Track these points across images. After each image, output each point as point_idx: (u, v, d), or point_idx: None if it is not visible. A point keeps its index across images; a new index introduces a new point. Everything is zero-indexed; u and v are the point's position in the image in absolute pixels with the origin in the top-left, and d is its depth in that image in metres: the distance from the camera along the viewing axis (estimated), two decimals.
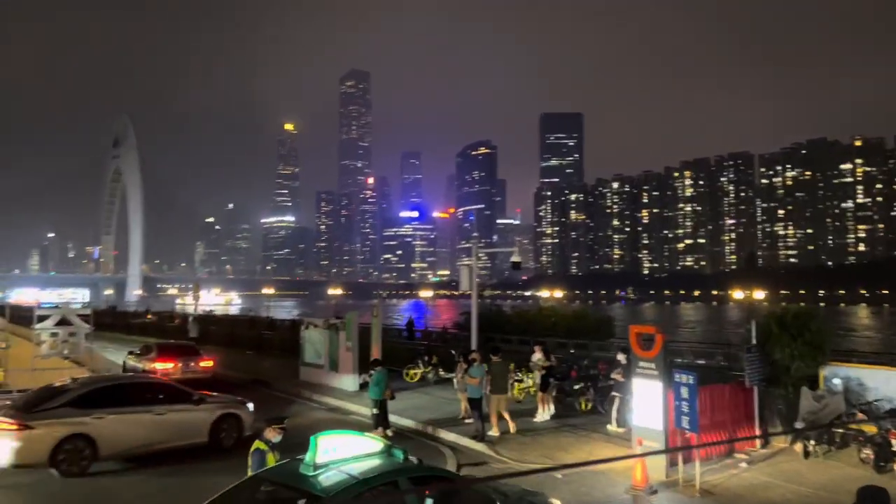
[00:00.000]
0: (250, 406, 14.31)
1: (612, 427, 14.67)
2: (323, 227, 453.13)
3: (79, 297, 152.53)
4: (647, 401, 11.92)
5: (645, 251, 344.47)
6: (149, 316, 53.54)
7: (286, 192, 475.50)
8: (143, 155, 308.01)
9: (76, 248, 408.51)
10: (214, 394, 14.37)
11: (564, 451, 13.35)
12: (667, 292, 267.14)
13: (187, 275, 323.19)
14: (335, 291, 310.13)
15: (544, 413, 16.30)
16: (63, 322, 15.03)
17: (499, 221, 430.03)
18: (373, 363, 16.23)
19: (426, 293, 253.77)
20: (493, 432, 14.48)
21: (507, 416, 14.85)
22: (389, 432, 15.04)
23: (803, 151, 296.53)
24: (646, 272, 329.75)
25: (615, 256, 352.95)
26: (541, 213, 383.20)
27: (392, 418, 15.79)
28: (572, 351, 23.25)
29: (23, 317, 23.83)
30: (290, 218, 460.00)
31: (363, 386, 19.74)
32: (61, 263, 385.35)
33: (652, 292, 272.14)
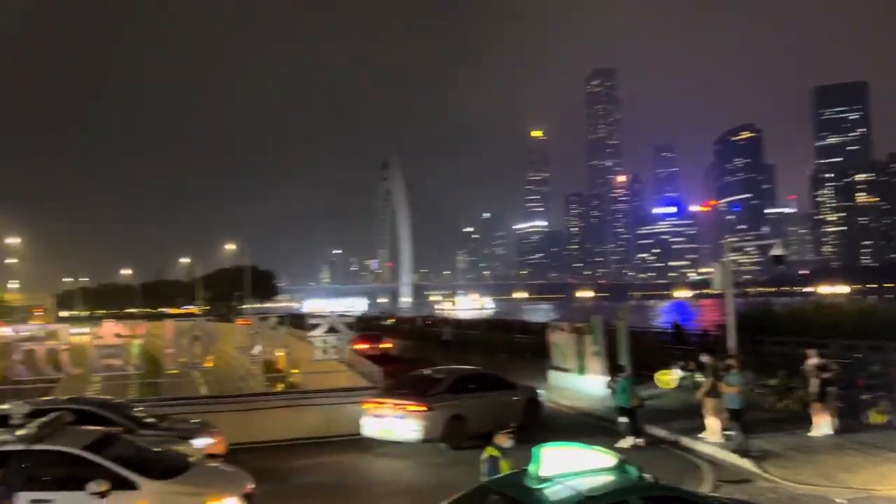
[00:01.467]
0: (542, 392, 17.48)
1: None
2: (574, 229, 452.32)
3: (357, 305, 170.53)
4: None
5: None
6: (390, 320, 58.54)
7: (537, 197, 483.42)
8: (408, 175, 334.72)
9: (358, 261, 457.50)
10: (520, 383, 17.19)
11: (849, 472, 11.47)
12: None
13: (450, 282, 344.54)
14: (585, 294, 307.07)
15: (822, 426, 14.21)
16: (331, 329, 16.71)
17: (768, 211, 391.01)
18: (618, 369, 15.58)
19: (683, 293, 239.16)
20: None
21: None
22: (641, 442, 14.30)
23: None
24: None
25: None
26: (819, 199, 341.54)
27: (643, 426, 14.98)
28: (859, 355, 20.03)
29: (301, 325, 27.16)
30: (541, 222, 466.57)
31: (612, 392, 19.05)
32: (346, 276, 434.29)
33: None
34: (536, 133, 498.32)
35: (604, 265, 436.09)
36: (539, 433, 14.44)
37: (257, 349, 16.49)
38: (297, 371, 23.00)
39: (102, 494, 7.77)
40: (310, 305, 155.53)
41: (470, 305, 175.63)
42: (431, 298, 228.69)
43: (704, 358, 15.42)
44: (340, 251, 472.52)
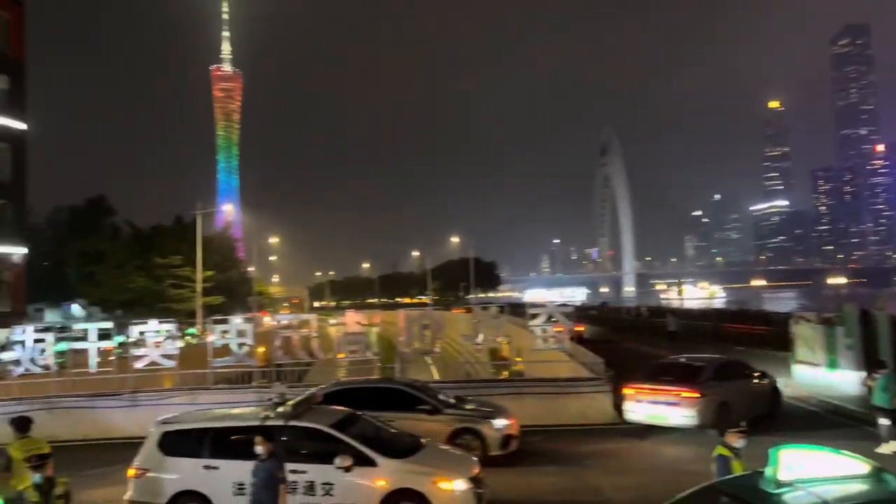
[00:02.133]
0: (779, 379, 17.62)
1: None
2: (822, 208, 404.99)
3: (577, 295, 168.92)
4: None
5: None
6: (641, 310, 56.01)
7: (776, 174, 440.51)
8: (628, 160, 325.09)
9: (578, 250, 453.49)
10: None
11: None
12: None
13: (678, 270, 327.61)
14: (837, 280, 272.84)
15: None
16: (550, 318, 16.82)
17: None
18: (877, 365, 13.73)
19: None
20: None
21: None
22: None
23: None
24: None
25: None
26: None
27: None
28: None
29: (521, 314, 27.57)
30: (782, 202, 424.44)
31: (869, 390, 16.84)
32: (566, 265, 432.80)
33: None
34: (773, 104, 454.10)
35: (860, 247, 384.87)
36: (779, 432, 13.32)
37: (480, 337, 17.10)
38: (520, 359, 23.48)
39: (347, 469, 8.63)
40: (530, 295, 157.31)
41: (698, 294, 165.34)
42: (657, 287, 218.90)
43: None
44: (559, 241, 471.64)
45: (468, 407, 13.42)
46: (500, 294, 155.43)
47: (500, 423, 12.90)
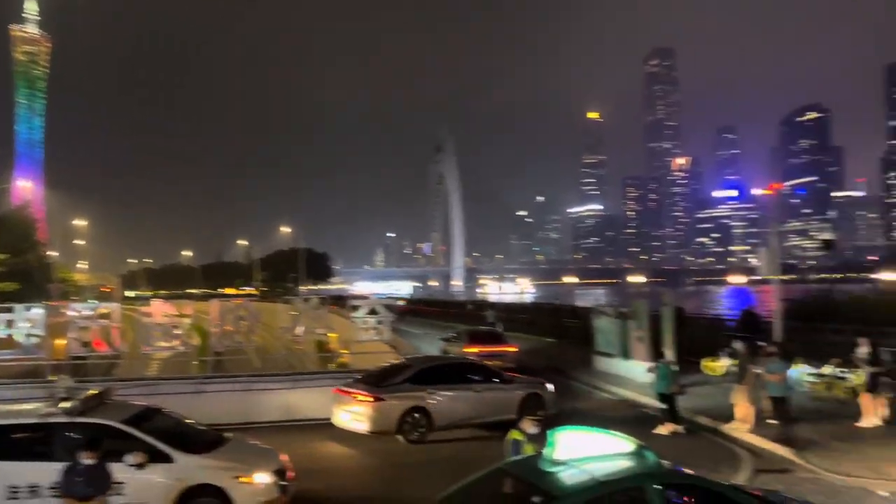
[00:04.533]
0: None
1: None
2: (631, 213, 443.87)
3: (404, 288, 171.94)
4: None
5: None
6: (467, 305, 58.18)
7: (593, 180, 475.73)
8: (461, 159, 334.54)
9: (411, 245, 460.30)
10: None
11: (895, 465, 11.06)
12: None
13: (503, 266, 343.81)
14: (637, 279, 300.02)
15: (871, 417, 13.72)
16: (372, 311, 16.96)
17: (836, 195, 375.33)
18: (659, 355, 15.35)
19: (738, 278, 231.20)
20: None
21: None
22: (681, 429, 14.10)
23: None
24: None
25: None
26: (891, 182, 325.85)
27: (685, 414, 14.75)
28: None
29: (343, 306, 27.54)
30: (597, 206, 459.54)
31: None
32: (400, 259, 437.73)
33: None
34: (593, 115, 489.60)
35: (661, 250, 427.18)
36: (572, 419, 14.44)
37: (300, 329, 16.83)
38: (346, 351, 23.41)
39: (139, 466, 8.14)
40: (359, 288, 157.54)
41: (514, 289, 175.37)
42: (480, 282, 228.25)
43: (737, 345, 15.15)
44: (394, 234, 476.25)
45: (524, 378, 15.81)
46: (332, 286, 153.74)
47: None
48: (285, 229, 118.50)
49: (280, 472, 9.10)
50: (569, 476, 5.99)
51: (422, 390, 13.61)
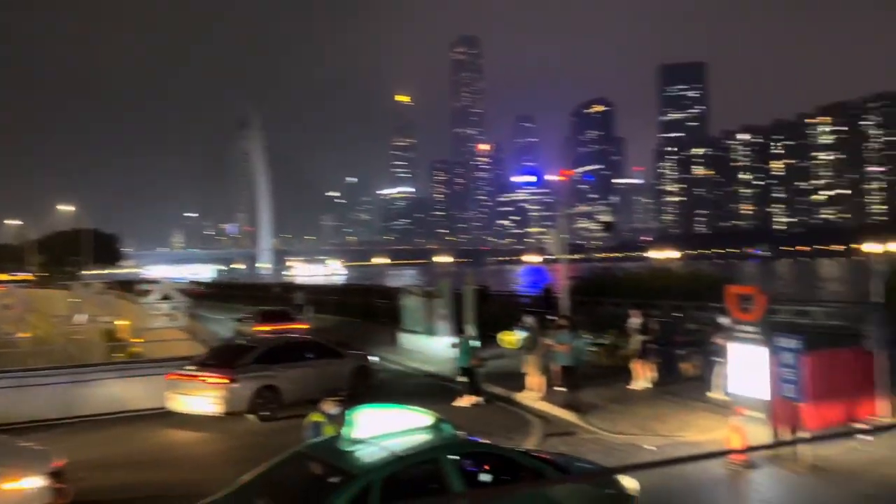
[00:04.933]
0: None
1: (713, 394, 13.60)
2: (439, 196, 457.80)
3: (205, 272, 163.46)
4: (747, 367, 10.87)
5: (778, 205, 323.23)
6: (274, 288, 56.47)
7: (404, 163, 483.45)
8: (268, 135, 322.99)
9: (214, 225, 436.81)
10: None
11: (660, 421, 12.53)
12: (804, 248, 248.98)
13: (316, 247, 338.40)
14: (444, 259, 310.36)
15: (642, 380, 15.43)
16: (166, 297, 15.84)
17: (617, 181, 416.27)
18: (461, 331, 15.99)
19: (533, 258, 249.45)
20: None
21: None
22: (481, 400, 14.82)
23: None
24: (780, 227, 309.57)
25: (745, 212, 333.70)
26: (662, 171, 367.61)
27: (484, 386, 15.54)
28: (679, 314, 21.86)
29: (133, 290, 25.62)
30: (408, 189, 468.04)
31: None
32: (202, 241, 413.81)
33: (786, 248, 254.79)
34: (402, 98, 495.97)
35: (467, 231, 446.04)
36: (377, 397, 14.63)
37: (81, 317, 15.27)
38: (139, 340, 21.68)
39: None
40: (154, 272, 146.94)
41: (323, 271, 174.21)
42: (288, 264, 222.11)
43: (528, 319, 16.25)
44: (196, 215, 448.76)
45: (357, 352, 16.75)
46: (122, 270, 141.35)
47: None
48: (66, 208, 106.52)
49: (55, 475, 8.18)
50: (367, 454, 6.02)
51: (269, 369, 13.92)
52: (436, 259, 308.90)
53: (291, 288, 51.37)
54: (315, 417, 8.06)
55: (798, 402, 10.18)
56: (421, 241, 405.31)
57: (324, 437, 7.52)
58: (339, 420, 7.95)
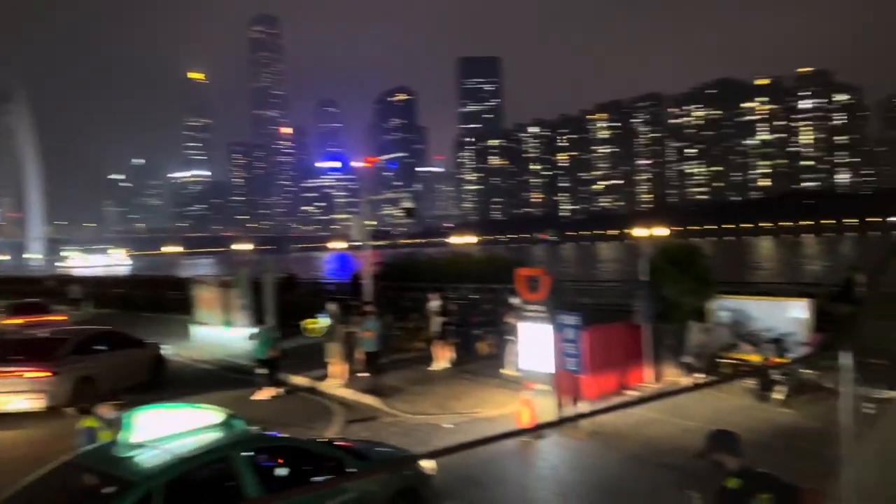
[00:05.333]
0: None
1: (506, 371, 14.41)
2: (238, 180, 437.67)
3: None
4: (535, 344, 11.63)
5: (564, 194, 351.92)
6: (47, 281, 50.55)
7: (199, 144, 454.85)
8: (44, 114, 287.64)
9: None
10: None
11: (457, 400, 13.00)
12: (585, 233, 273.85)
13: (95, 235, 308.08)
14: (244, 247, 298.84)
15: (442, 361, 15.93)
16: None
17: (420, 170, 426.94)
18: (260, 322, 15.42)
19: (339, 244, 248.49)
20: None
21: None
22: (282, 391, 14.38)
23: (711, 91, 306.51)
24: (566, 214, 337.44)
25: (535, 200, 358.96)
26: (461, 160, 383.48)
27: (286, 376, 15.11)
28: (476, 296, 22.92)
29: None
30: (203, 172, 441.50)
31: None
32: None
33: (572, 233, 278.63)
34: (196, 76, 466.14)
35: (269, 217, 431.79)
36: (169, 393, 13.66)
37: None
38: None
39: None
40: None
41: (106, 261, 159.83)
42: (64, 254, 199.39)
43: (331, 306, 16.12)
44: None
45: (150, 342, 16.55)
46: None
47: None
48: None
49: None
50: (146, 459, 5.50)
51: (84, 360, 13.79)
52: (235, 247, 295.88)
53: (67, 280, 46.50)
54: (88, 423, 7.24)
55: (579, 374, 11.09)
56: (218, 229, 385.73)
57: (99, 443, 6.78)
58: (116, 424, 7.23)
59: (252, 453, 6.02)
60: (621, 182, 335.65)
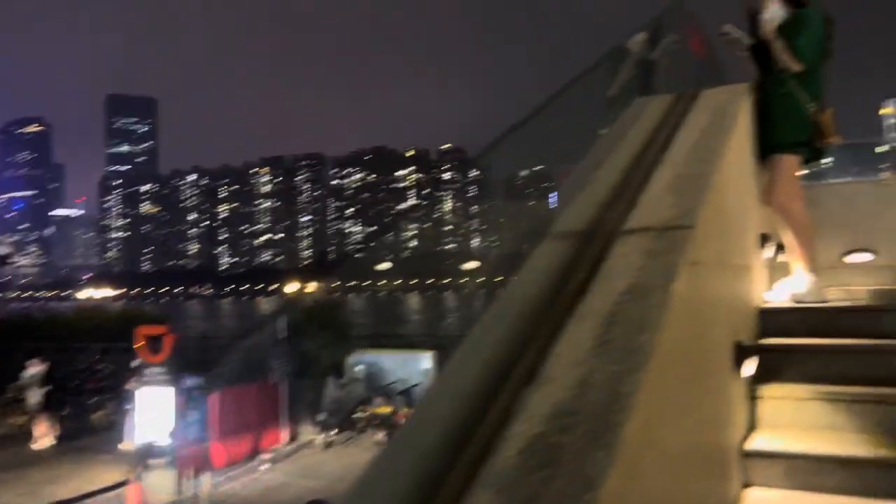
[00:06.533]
0: None
1: (124, 445, 12.64)
2: None
3: None
4: (155, 412, 10.37)
5: (223, 246, 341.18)
6: None
7: None
8: None
9: None
10: None
11: (56, 484, 10.90)
12: (245, 287, 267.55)
13: None
14: None
15: (45, 439, 13.39)
16: None
17: (55, 213, 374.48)
18: None
19: None
20: None
21: None
22: None
23: (368, 157, 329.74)
24: (225, 267, 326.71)
25: (191, 251, 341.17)
26: (107, 204, 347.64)
27: None
28: (98, 357, 20.15)
29: None
30: None
31: None
32: None
33: (230, 288, 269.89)
34: None
35: None
36: None
37: None
38: None
39: None
40: None
41: None
42: None
43: None
44: None
45: None
46: None
47: None
48: None
49: None
50: None
51: None
52: None
53: None
54: None
55: (205, 442, 10.13)
56: None
57: None
58: None
59: None
60: (281, 237, 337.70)
